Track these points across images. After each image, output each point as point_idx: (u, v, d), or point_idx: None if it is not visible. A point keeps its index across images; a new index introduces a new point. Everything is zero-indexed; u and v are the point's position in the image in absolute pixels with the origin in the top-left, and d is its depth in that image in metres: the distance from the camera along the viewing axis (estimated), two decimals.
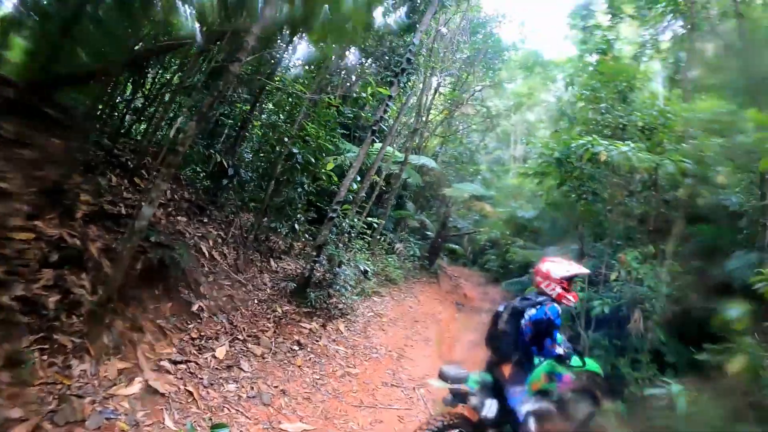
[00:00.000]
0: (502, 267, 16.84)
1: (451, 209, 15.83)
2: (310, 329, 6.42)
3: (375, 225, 10.29)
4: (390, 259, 11.73)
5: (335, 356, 6.14)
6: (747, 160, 6.21)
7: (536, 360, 4.17)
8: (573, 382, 4.68)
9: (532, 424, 3.97)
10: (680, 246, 7.12)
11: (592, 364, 4.62)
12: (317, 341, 6.25)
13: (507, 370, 3.95)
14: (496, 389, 4.00)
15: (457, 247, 19.51)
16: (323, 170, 7.34)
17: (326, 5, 5.32)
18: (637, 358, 6.19)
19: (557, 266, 4.06)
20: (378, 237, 11.52)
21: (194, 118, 4.33)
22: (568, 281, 4.03)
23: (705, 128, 6.31)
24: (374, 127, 7.50)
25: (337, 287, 7.37)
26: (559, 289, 4.01)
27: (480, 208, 15.97)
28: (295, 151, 6.94)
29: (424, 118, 15.26)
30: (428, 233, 15.89)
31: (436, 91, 16.56)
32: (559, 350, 4.07)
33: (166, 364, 3.87)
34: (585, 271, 4.10)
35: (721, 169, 6.07)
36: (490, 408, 3.83)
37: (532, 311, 3.88)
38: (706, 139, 6.19)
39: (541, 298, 3.97)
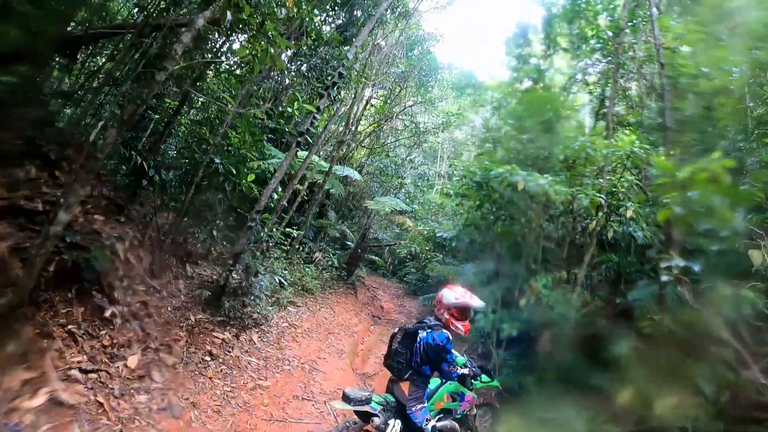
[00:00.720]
0: (421, 280, 17.23)
1: (373, 221, 15.95)
2: (223, 339, 6.32)
3: (294, 235, 10.23)
4: (308, 269, 11.67)
5: (247, 368, 6.09)
6: (656, 195, 6.72)
7: (432, 380, 4.48)
8: (475, 401, 5.12)
9: None
10: (591, 272, 7.55)
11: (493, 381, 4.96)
12: (229, 352, 6.17)
13: (405, 388, 4.27)
14: (398, 408, 4.30)
15: (377, 258, 19.65)
16: (244, 181, 7.19)
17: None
18: (543, 377, 6.47)
19: (450, 293, 4.37)
20: (297, 246, 11.43)
21: (115, 125, 4.16)
22: (458, 309, 4.32)
23: (621, 164, 6.79)
24: (299, 138, 7.46)
25: (252, 297, 7.27)
26: (447, 315, 4.33)
27: (402, 221, 16.21)
28: (217, 160, 6.77)
29: (352, 129, 15.34)
30: (348, 243, 15.90)
31: (367, 102, 16.68)
32: (463, 371, 4.55)
33: (75, 373, 3.69)
34: (477, 304, 4.34)
35: (631, 204, 6.51)
36: (394, 428, 4.16)
37: (423, 333, 4.21)
38: (620, 175, 6.67)
39: (434, 323, 4.27)
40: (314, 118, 7.66)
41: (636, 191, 6.91)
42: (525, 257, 8.55)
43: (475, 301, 4.35)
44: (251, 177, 7.13)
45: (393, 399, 4.37)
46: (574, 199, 6.80)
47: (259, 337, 7.23)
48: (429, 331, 4.20)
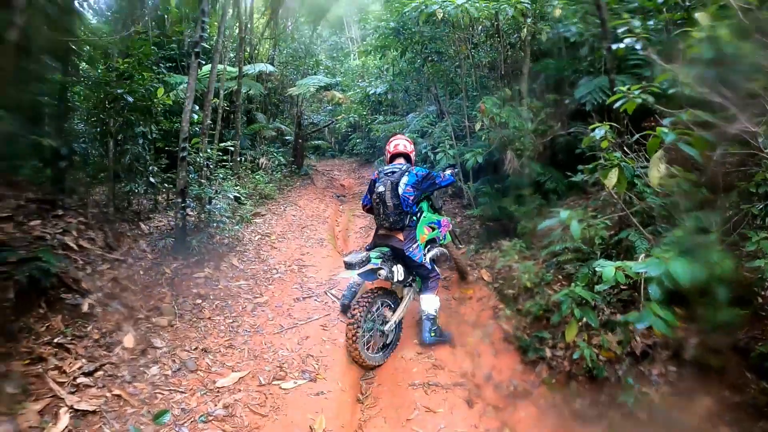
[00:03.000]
0: (369, 147, 17.17)
1: (303, 107, 15.47)
2: (206, 276, 6.31)
3: (231, 149, 9.94)
4: (258, 177, 11.50)
5: (240, 293, 6.16)
6: None
7: (414, 219, 5.06)
8: (450, 223, 5.75)
9: (436, 268, 5.23)
10: (533, 84, 7.52)
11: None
12: (217, 285, 6.19)
13: (400, 236, 4.83)
14: (394, 255, 4.94)
15: (320, 141, 19.40)
16: (157, 100, 6.69)
17: None
18: (520, 194, 6.61)
19: (407, 141, 5.32)
20: (238, 159, 11.12)
21: None
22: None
23: None
24: (196, 49, 6.88)
25: (215, 224, 7.18)
26: (413, 156, 5.30)
27: (331, 97, 15.76)
28: (120, 91, 6.12)
29: (249, 25, 14.37)
30: (288, 138, 15.54)
31: None
32: (449, 171, 5.27)
33: (82, 379, 3.63)
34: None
35: (557, 2, 6.36)
36: (399, 272, 4.86)
37: (405, 179, 4.81)
38: None
39: (404, 167, 4.93)
40: (203, 22, 7.06)
41: None
42: (464, 90, 8.49)
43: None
44: (160, 91, 6.64)
45: (387, 249, 4.95)
46: (498, 13, 6.62)
47: (239, 259, 7.28)
48: (408, 173, 4.85)
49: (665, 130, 2.96)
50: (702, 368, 3.32)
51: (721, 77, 3.32)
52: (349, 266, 4.50)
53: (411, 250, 4.81)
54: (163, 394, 3.83)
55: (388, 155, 5.31)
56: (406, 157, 5.24)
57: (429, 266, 4.99)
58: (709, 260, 2.79)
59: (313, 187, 14.25)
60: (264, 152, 13.21)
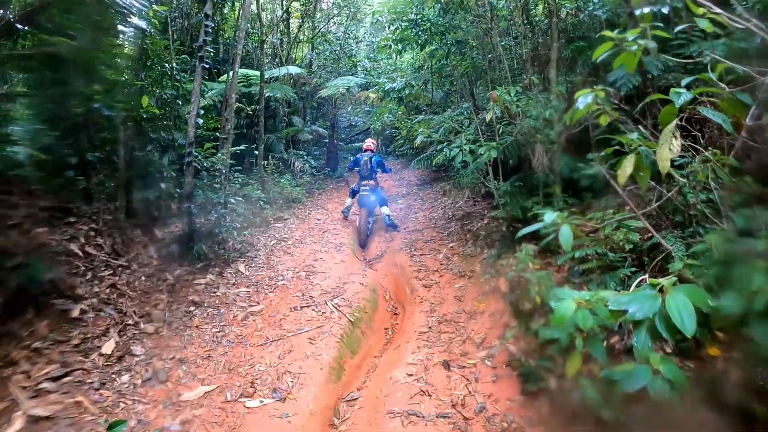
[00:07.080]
0: (412, 148, 16.90)
1: (340, 109, 15.59)
2: (206, 283, 6.49)
3: (255, 153, 10.25)
4: (284, 181, 11.79)
5: (236, 301, 6.25)
6: None
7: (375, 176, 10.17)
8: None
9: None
10: (568, 70, 7.18)
11: None
12: (215, 293, 6.32)
13: (372, 182, 9.95)
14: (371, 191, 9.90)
15: (362, 144, 19.37)
16: (141, 110, 6.75)
17: None
18: (548, 192, 6.13)
19: (372, 142, 10.86)
20: (263, 163, 11.38)
21: None
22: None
23: None
24: (200, 53, 7.03)
25: (226, 230, 7.36)
26: (373, 148, 10.64)
27: (365, 97, 15.77)
28: (96, 105, 6.20)
29: (282, 28, 14.61)
30: (326, 141, 15.84)
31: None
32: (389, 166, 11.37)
33: (45, 384, 3.80)
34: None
35: None
36: (376, 200, 9.84)
37: (373, 160, 10.01)
38: None
39: (371, 155, 10.15)
40: (206, 26, 7.11)
41: None
42: (489, 82, 8.19)
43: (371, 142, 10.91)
44: (145, 101, 6.76)
45: (368, 188, 9.87)
46: None
47: (246, 265, 7.42)
48: (375, 156, 10.12)
49: (679, 90, 2.39)
50: (743, 416, 2.43)
51: None
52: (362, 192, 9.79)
53: (377, 189, 9.94)
54: (126, 403, 3.96)
55: (364, 148, 10.50)
56: (370, 150, 10.36)
57: (384, 196, 10.23)
58: (748, 282, 2.08)
59: (347, 189, 14.15)
60: (297, 155, 13.49)
